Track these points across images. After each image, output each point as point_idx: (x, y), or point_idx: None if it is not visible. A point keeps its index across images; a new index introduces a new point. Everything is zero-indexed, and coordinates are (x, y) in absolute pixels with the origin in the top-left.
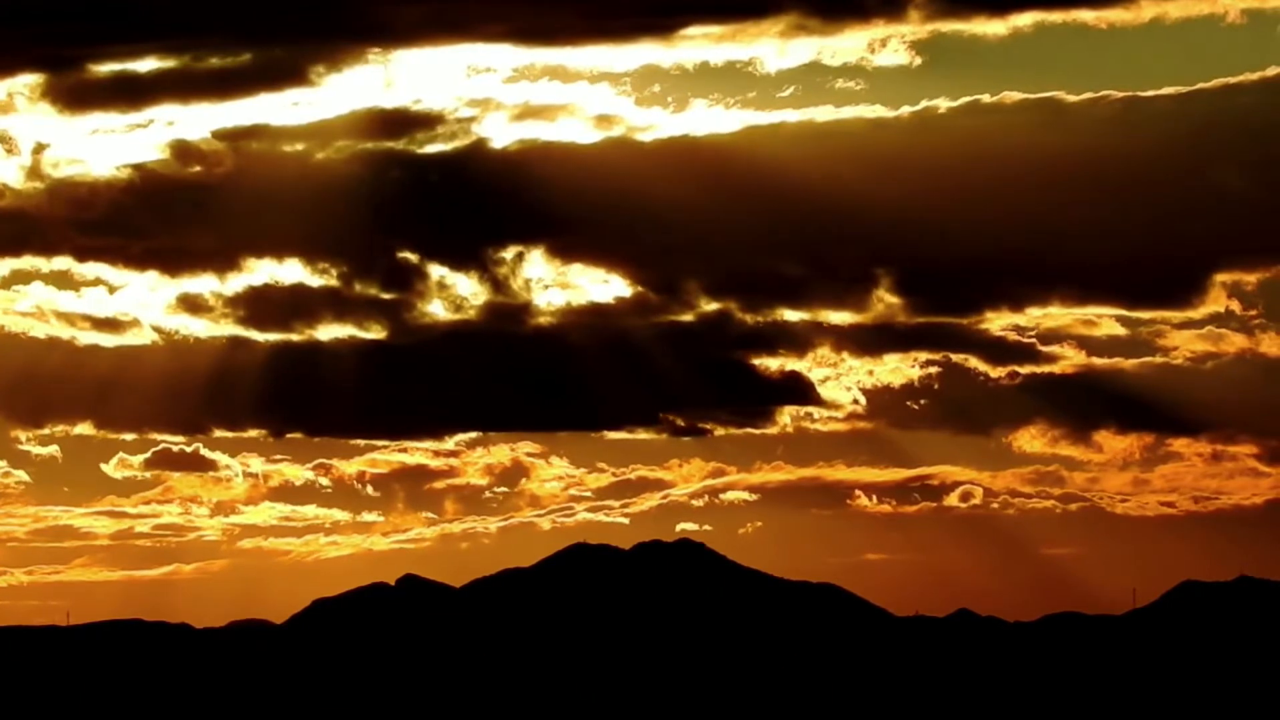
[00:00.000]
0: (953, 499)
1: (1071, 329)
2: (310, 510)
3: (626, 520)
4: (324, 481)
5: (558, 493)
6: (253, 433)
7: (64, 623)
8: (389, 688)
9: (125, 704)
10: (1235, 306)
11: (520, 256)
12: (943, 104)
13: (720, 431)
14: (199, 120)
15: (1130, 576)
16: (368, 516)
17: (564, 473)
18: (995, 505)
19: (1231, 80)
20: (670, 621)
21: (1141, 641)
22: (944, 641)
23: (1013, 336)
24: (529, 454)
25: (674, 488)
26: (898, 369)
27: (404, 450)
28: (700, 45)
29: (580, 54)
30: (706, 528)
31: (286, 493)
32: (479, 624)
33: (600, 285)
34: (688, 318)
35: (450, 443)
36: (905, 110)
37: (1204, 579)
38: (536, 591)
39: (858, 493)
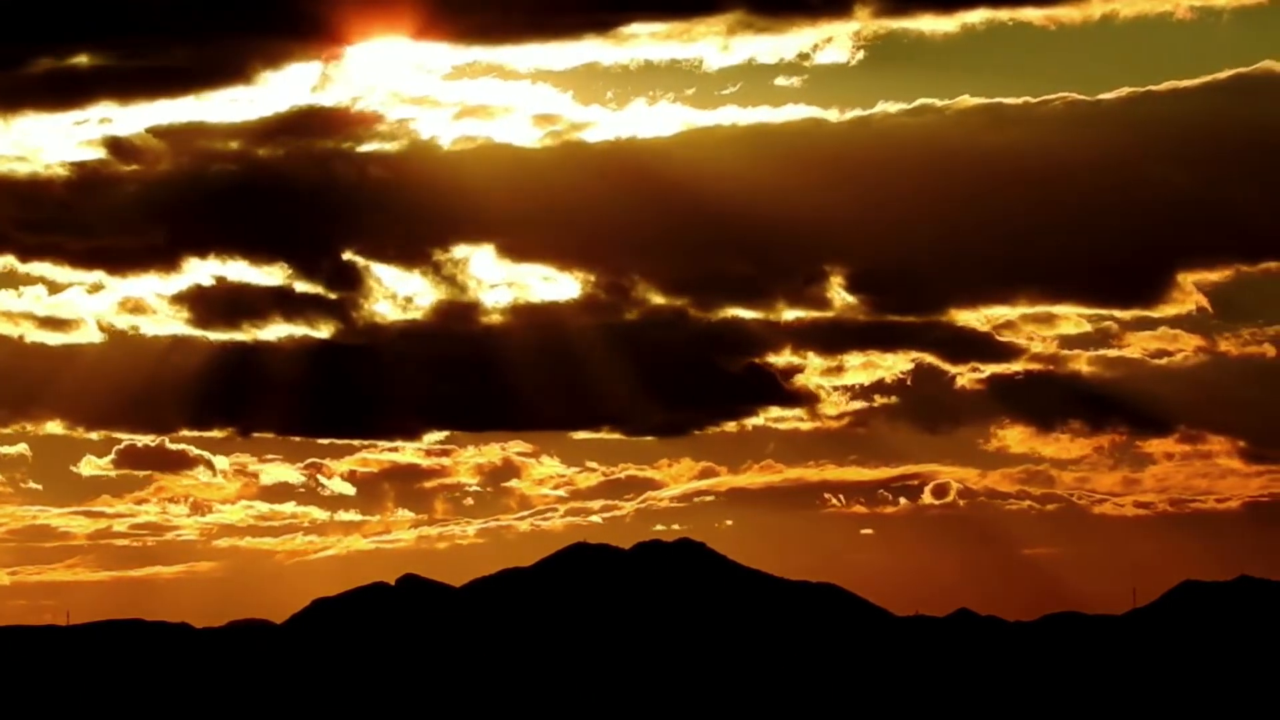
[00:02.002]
0: (949, 497)
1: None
2: (288, 508)
3: (600, 520)
4: (298, 479)
5: (547, 493)
6: (217, 432)
7: (64, 622)
8: (389, 688)
9: (126, 704)
10: (1205, 303)
11: (466, 256)
12: (891, 105)
13: (710, 431)
14: (136, 118)
15: (1130, 576)
16: (345, 515)
17: (555, 472)
18: (989, 505)
19: (1180, 84)
20: (670, 621)
21: (1141, 641)
22: (944, 641)
23: (1017, 338)
24: (520, 453)
25: (664, 488)
26: (887, 368)
27: (392, 450)
28: (644, 43)
29: (521, 52)
30: (678, 526)
31: (263, 491)
32: (479, 624)
33: (550, 284)
34: (680, 318)
35: (426, 442)
36: (856, 112)
37: (1204, 579)
38: (536, 591)
39: (842, 494)
